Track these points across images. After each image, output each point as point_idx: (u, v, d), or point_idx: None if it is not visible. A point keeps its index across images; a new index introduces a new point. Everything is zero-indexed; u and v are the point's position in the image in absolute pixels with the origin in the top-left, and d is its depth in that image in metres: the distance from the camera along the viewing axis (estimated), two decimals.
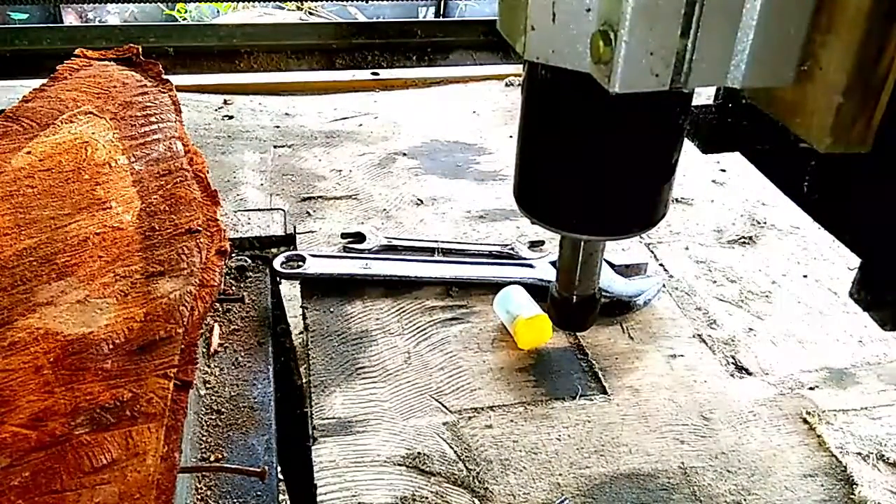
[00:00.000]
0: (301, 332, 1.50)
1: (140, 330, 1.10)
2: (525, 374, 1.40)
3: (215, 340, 1.39)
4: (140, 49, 2.01)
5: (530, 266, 1.64)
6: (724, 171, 2.14)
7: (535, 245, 1.73)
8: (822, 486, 1.23)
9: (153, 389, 1.00)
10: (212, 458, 1.20)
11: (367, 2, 4.03)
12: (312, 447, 1.25)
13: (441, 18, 4.12)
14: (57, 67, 1.90)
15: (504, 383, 1.38)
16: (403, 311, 1.54)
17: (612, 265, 1.61)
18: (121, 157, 1.50)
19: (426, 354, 1.44)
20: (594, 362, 1.44)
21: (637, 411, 1.34)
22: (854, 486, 1.22)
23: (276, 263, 1.57)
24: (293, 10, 4.16)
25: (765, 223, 1.91)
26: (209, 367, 1.36)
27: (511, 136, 2.29)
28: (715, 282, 1.69)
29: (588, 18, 0.60)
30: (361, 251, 1.68)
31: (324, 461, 1.23)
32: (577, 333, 1.50)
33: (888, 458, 1.27)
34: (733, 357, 1.47)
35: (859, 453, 1.28)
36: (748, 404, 1.37)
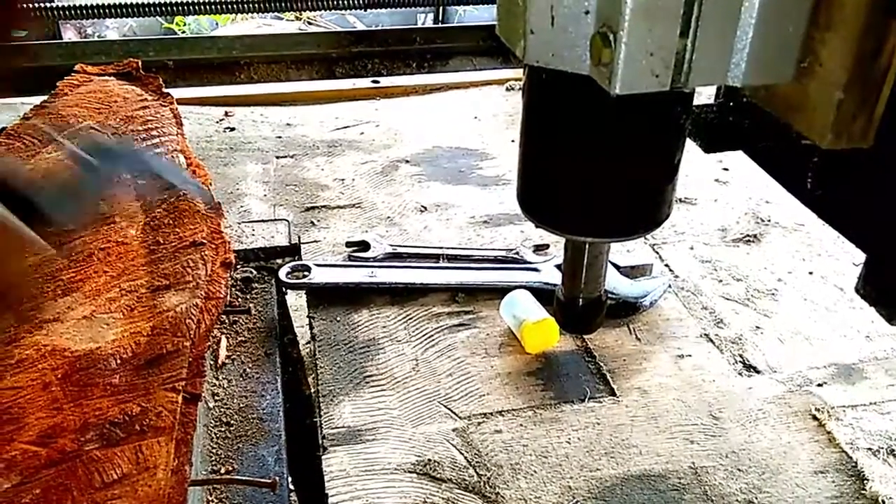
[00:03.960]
0: (308, 342, 1.50)
1: (147, 344, 1.10)
2: (533, 377, 1.40)
3: (223, 352, 1.40)
4: (140, 63, 2.01)
5: (536, 270, 1.64)
6: (726, 169, 2.14)
7: (539, 248, 1.73)
8: (834, 482, 1.23)
9: (162, 403, 1.00)
10: (222, 471, 1.20)
11: (365, 10, 4.03)
12: (322, 456, 1.25)
13: (440, 25, 4.12)
14: (57, 84, 1.91)
15: (512, 388, 1.38)
16: (410, 318, 1.54)
17: (617, 267, 1.61)
18: None
19: (434, 361, 1.44)
20: (602, 364, 1.44)
21: (646, 412, 1.34)
22: (865, 482, 1.22)
23: (282, 274, 1.57)
24: (292, 21, 4.16)
25: (769, 221, 1.91)
26: (217, 379, 1.36)
27: (513, 141, 2.29)
28: (721, 281, 1.69)
29: (587, 21, 0.60)
30: (366, 259, 1.68)
31: (334, 470, 1.23)
32: (584, 336, 1.50)
33: None
34: (741, 355, 1.47)
35: (869, 448, 1.28)
36: (757, 402, 1.36)
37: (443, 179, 2.08)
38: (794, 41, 0.58)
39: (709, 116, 0.82)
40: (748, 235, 1.85)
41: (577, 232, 0.83)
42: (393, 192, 2.01)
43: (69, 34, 4.40)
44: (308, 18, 4.15)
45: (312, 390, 1.39)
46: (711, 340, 1.50)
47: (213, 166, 2.09)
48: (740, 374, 1.43)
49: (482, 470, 1.23)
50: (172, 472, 0.92)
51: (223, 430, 1.27)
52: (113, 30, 4.81)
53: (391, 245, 1.73)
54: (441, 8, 3.81)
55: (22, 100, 2.38)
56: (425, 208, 1.93)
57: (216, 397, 1.33)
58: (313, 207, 1.92)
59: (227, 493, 1.17)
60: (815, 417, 1.34)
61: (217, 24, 4.75)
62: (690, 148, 0.81)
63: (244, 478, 1.18)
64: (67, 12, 3.11)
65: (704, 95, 0.82)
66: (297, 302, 1.67)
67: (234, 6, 2.95)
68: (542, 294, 1.52)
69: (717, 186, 2.07)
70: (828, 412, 1.34)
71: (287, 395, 1.37)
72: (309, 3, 3.02)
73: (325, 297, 1.58)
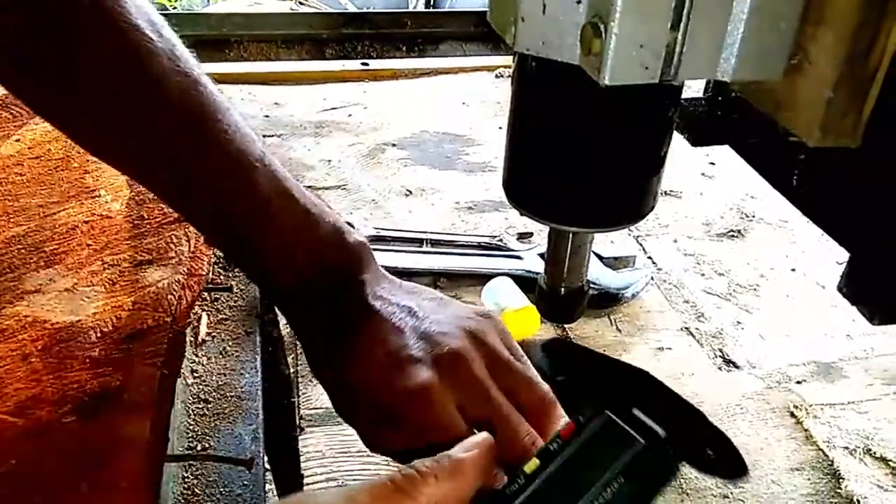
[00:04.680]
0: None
1: (128, 318, 1.09)
2: None
3: (203, 330, 1.39)
4: None
5: (519, 258, 1.64)
6: (713, 164, 2.14)
7: (523, 236, 1.73)
8: (809, 479, 1.23)
9: (140, 378, 1.00)
10: (199, 448, 1.20)
11: None
12: (299, 437, 1.25)
13: (431, 9, 4.11)
14: None
15: None
16: None
17: (600, 257, 1.61)
18: None
19: None
20: None
21: None
22: (841, 480, 1.23)
23: None
24: (283, 0, 4.15)
25: (753, 216, 1.91)
26: (197, 356, 1.36)
27: (500, 128, 2.29)
28: (703, 275, 1.69)
29: (578, 10, 0.60)
30: None
31: (310, 451, 1.23)
32: (565, 325, 1.50)
33: (875, 453, 1.27)
34: (721, 350, 1.47)
35: (846, 447, 1.28)
36: (735, 398, 1.37)
37: (429, 164, 2.08)
38: (784, 37, 0.58)
39: (697, 110, 0.82)
40: (732, 230, 1.86)
41: (561, 221, 0.83)
42: (379, 174, 2.01)
43: None
44: None
45: (291, 370, 1.39)
46: (692, 334, 1.51)
47: None
48: (720, 368, 1.43)
49: None
50: (149, 447, 0.92)
51: (201, 407, 1.27)
52: None
53: (375, 228, 1.72)
54: None
55: None
56: (410, 192, 1.93)
57: (195, 374, 1.32)
58: None
59: (202, 470, 1.17)
60: (793, 414, 1.34)
61: (208, 1, 4.73)
62: (678, 141, 0.81)
63: (220, 455, 1.18)
64: None
65: (693, 89, 0.82)
66: None
67: None
68: (525, 282, 1.52)
69: (703, 180, 2.07)
70: (806, 409, 1.35)
71: (266, 375, 1.37)
72: None
73: None
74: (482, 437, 0.77)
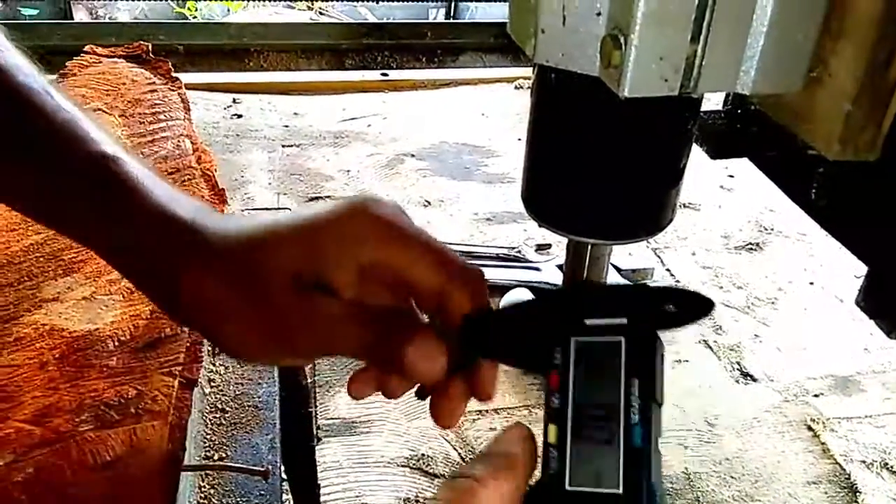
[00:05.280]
0: None
1: (146, 327, 1.09)
2: (529, 376, 1.40)
3: None
4: (150, 46, 2.01)
5: (537, 269, 1.63)
6: (732, 176, 2.14)
7: (542, 248, 1.73)
8: (826, 493, 1.23)
9: (158, 387, 1.00)
10: (215, 457, 1.20)
11: (377, 2, 4.03)
12: (317, 447, 1.25)
13: (451, 20, 4.12)
14: (66, 64, 1.90)
15: (508, 386, 1.38)
16: None
17: (618, 269, 1.61)
18: None
19: None
20: None
21: None
22: (857, 494, 1.22)
23: None
24: (303, 10, 4.16)
25: (772, 230, 1.91)
26: (214, 365, 1.36)
27: (519, 139, 2.29)
28: (721, 287, 1.68)
29: (598, 22, 0.60)
30: None
31: (328, 461, 1.23)
32: None
33: (892, 466, 1.27)
34: (738, 363, 1.47)
35: (863, 461, 1.28)
36: (753, 410, 1.36)
37: (448, 175, 2.08)
38: (804, 50, 0.58)
39: (716, 123, 0.82)
40: (751, 243, 1.85)
41: (580, 232, 0.83)
42: (397, 185, 2.01)
43: (80, 15, 4.40)
44: (319, 9, 4.14)
45: (309, 380, 1.39)
46: (710, 347, 1.50)
47: (218, 152, 2.09)
48: (737, 381, 1.43)
49: None
50: (166, 457, 0.92)
51: (218, 416, 1.27)
52: (124, 12, 4.81)
53: None
54: (453, 3, 3.80)
55: None
56: (429, 203, 1.93)
57: (212, 383, 1.32)
58: (317, 197, 1.92)
59: (219, 480, 1.17)
60: (810, 428, 1.34)
61: (228, 10, 4.74)
62: (696, 153, 0.81)
63: (237, 465, 1.18)
64: None
65: (713, 102, 0.82)
66: None
67: None
68: None
69: (722, 193, 2.07)
70: (823, 423, 1.34)
71: (283, 384, 1.37)
72: None
73: None
74: (524, 427, 0.71)
